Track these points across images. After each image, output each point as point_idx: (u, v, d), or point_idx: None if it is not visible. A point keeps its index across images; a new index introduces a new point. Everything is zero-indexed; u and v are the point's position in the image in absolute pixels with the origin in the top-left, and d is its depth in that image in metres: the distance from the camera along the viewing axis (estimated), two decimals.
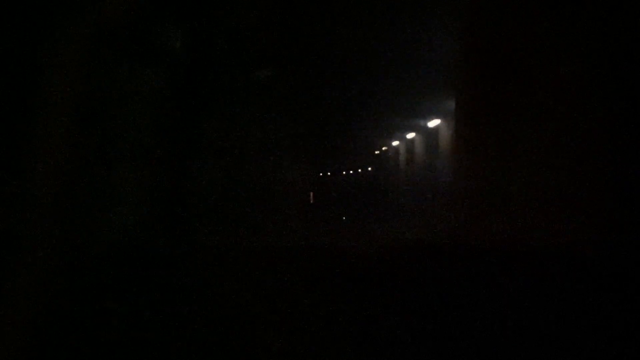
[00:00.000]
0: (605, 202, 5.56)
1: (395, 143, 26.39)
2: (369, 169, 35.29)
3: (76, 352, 3.97)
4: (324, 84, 14.12)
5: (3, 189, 3.84)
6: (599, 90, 5.74)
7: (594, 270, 5.18)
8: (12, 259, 3.76)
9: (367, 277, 6.32)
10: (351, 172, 38.05)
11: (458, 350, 4.04)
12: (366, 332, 4.42)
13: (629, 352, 3.83)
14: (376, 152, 31.32)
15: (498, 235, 7.45)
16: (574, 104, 6.15)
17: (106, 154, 5.09)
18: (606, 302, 4.52)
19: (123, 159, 5.36)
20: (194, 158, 6.76)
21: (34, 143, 3.97)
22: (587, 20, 5.92)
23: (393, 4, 8.84)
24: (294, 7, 8.75)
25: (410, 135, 22.87)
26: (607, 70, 5.67)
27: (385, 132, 23.16)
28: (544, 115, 6.74)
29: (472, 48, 9.07)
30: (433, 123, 18.96)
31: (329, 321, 4.66)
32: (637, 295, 4.50)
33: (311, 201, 30.13)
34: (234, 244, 8.76)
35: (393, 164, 27.62)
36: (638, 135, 5.31)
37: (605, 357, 3.83)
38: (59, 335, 3.96)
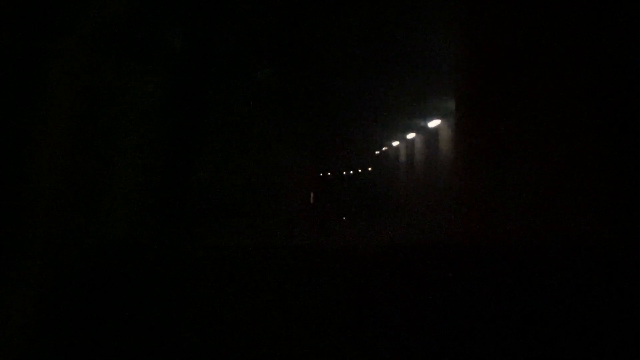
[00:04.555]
0: (609, 202, 5.54)
1: (395, 143, 26.40)
2: (369, 169, 35.33)
3: (75, 351, 3.96)
4: (324, 84, 14.10)
5: (3, 187, 3.83)
6: (601, 89, 5.73)
7: (597, 270, 5.16)
8: (12, 258, 3.75)
9: (367, 277, 6.30)
10: (351, 172, 38.12)
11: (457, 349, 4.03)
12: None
13: (633, 351, 3.81)
14: (376, 152, 31.35)
15: (499, 235, 7.43)
16: (575, 103, 6.14)
17: (106, 153, 5.08)
18: (610, 301, 4.50)
19: (122, 157, 5.35)
20: (193, 157, 6.75)
21: (34, 142, 3.95)
22: (589, 19, 5.90)
23: (394, 3, 8.82)
24: (295, 7, 8.73)
25: (411, 136, 22.87)
26: (610, 70, 5.65)
27: (385, 132, 23.14)
28: (545, 114, 6.72)
29: (473, 48, 9.05)
30: (433, 123, 18.95)
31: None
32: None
33: (311, 201, 30.14)
34: (233, 243, 8.73)
35: (393, 164, 27.61)
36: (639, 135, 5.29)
37: (610, 356, 3.82)
38: (58, 335, 3.95)
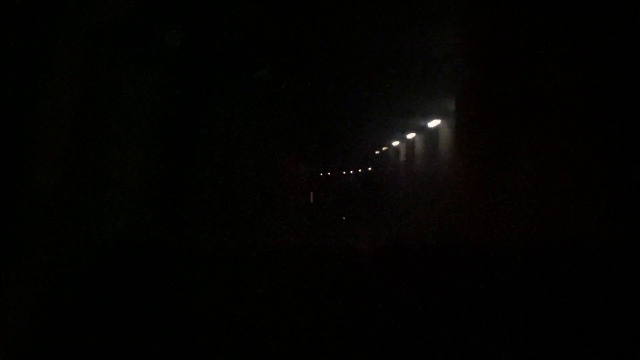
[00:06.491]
0: (607, 202, 5.55)
1: (395, 143, 26.34)
2: (369, 169, 35.36)
3: (75, 351, 3.96)
4: (325, 84, 14.11)
5: (3, 187, 3.84)
6: (601, 90, 5.73)
7: (595, 269, 5.17)
8: (12, 258, 3.75)
9: (368, 276, 6.31)
10: (351, 172, 38.16)
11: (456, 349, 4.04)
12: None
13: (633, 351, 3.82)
14: (376, 152, 31.33)
15: (498, 235, 7.44)
16: (575, 104, 6.14)
17: (106, 152, 5.09)
18: (609, 300, 4.50)
19: (123, 156, 5.35)
20: (194, 156, 6.75)
21: (35, 141, 3.96)
22: (588, 19, 5.91)
23: (394, 4, 8.83)
24: (295, 7, 8.74)
25: (411, 136, 22.83)
26: (610, 70, 5.66)
27: (385, 132, 23.14)
28: (545, 115, 6.72)
29: (472, 48, 9.05)
30: (433, 123, 18.95)
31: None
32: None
33: (311, 201, 30.18)
34: (233, 242, 8.76)
35: (393, 164, 27.60)
36: (638, 136, 5.30)
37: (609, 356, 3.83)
38: (58, 334, 3.95)
